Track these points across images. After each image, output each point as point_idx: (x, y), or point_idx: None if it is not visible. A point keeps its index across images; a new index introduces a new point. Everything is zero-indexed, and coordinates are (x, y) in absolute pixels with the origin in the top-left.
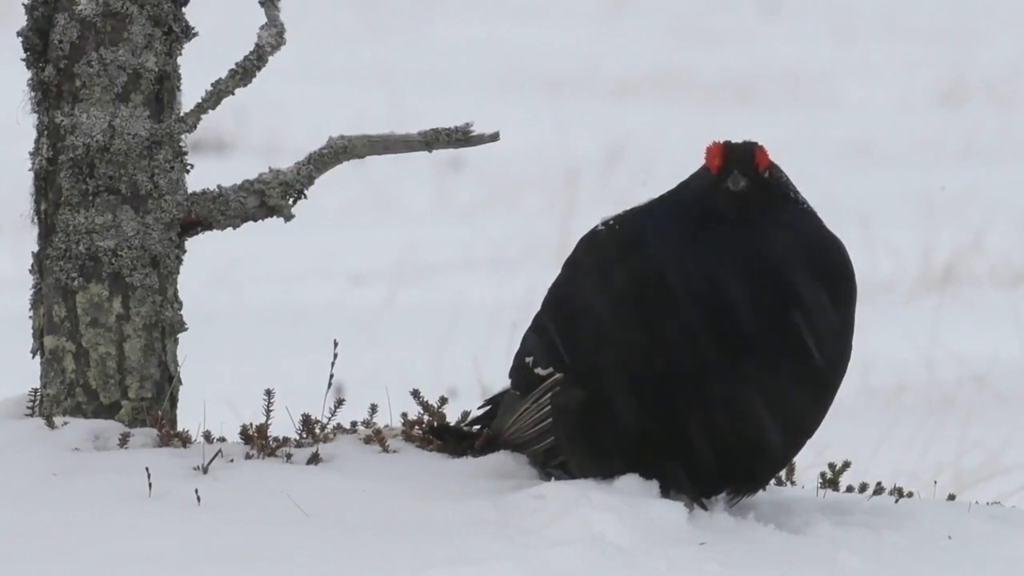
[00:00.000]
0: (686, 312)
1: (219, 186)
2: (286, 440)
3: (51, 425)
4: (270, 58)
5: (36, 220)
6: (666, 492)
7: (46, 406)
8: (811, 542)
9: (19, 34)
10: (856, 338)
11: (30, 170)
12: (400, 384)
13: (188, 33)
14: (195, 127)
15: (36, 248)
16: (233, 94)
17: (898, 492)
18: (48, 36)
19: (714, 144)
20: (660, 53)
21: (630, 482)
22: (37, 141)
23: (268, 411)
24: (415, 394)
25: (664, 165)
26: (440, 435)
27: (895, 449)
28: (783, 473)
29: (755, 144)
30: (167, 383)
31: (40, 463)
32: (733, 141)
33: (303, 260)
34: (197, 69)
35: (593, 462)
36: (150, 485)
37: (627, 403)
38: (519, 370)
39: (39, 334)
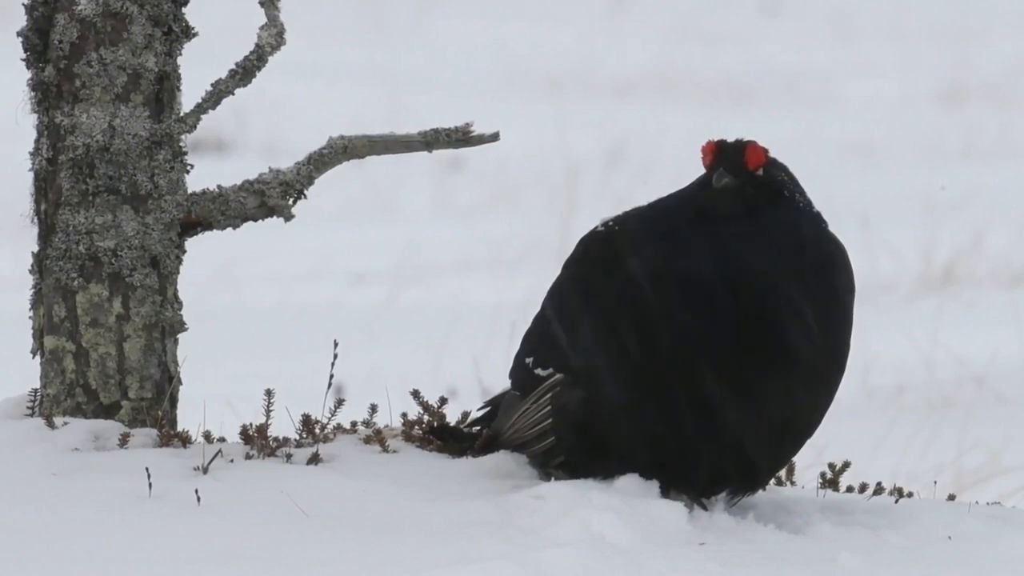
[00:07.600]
0: (683, 312)
1: (219, 186)
2: (286, 440)
3: (51, 425)
4: (270, 58)
5: (36, 220)
6: (666, 492)
7: (46, 406)
8: (811, 542)
9: (19, 34)
10: (856, 338)
11: (30, 170)
12: (400, 384)
13: (188, 33)
14: (195, 127)
15: (36, 248)
16: (233, 94)
17: (898, 492)
18: (48, 36)
19: (707, 142)
20: (660, 53)
21: (630, 482)
22: (37, 141)
23: (268, 411)
24: (415, 394)
25: (664, 165)
26: (440, 435)
27: (895, 449)
28: (783, 473)
29: (747, 142)
30: (167, 383)
31: (40, 463)
32: (727, 139)
33: (303, 260)
34: (197, 69)
35: (593, 462)
36: (150, 485)
37: (626, 403)
38: (519, 370)
39: (39, 334)
